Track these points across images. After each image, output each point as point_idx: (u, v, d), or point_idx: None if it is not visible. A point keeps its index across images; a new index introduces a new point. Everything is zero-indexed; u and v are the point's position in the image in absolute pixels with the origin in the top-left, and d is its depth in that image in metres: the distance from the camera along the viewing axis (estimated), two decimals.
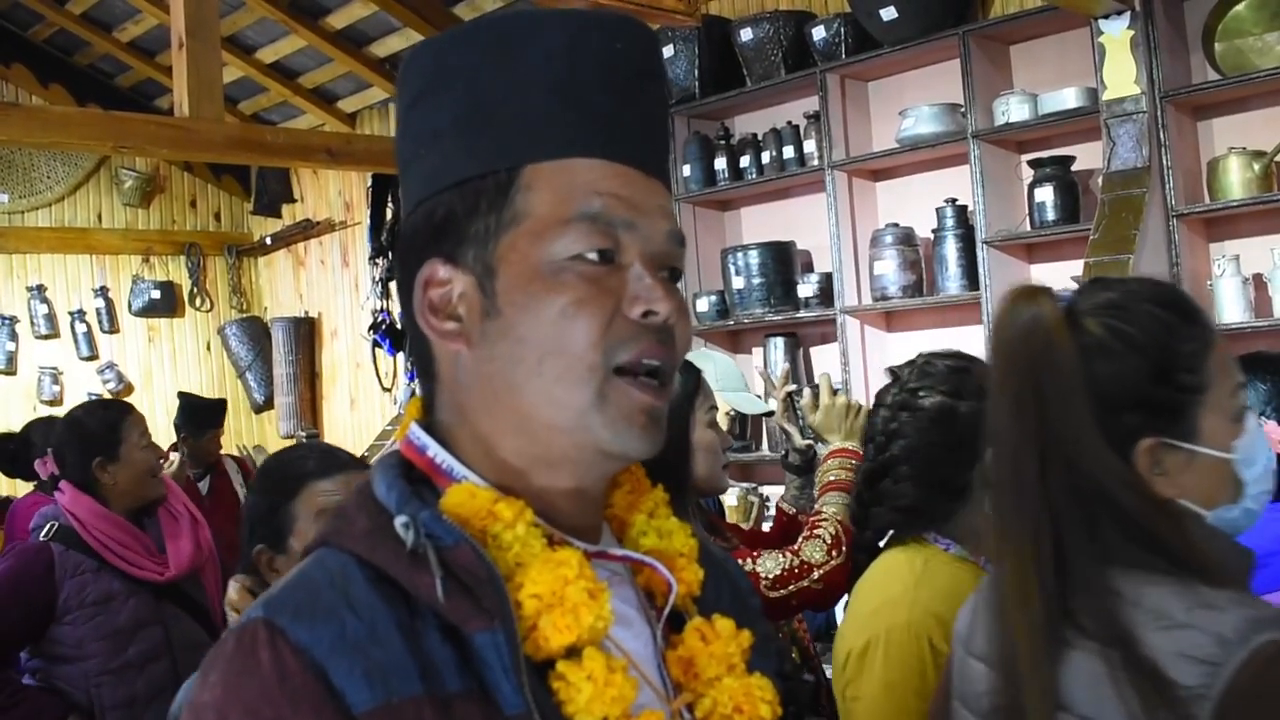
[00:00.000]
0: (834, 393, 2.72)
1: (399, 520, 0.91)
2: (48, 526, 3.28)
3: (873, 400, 2.18)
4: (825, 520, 2.44)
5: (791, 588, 2.31)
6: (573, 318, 0.93)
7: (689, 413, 2.40)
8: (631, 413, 0.94)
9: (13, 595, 3.20)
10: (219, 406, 6.20)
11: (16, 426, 7.67)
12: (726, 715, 0.99)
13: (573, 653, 0.90)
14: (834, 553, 2.36)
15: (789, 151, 5.35)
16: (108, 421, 3.38)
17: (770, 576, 2.31)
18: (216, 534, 5.96)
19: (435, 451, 0.99)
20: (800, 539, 2.42)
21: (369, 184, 7.46)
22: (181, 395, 6.24)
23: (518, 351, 0.95)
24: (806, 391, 2.77)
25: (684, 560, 1.05)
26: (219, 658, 0.89)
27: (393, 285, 7.46)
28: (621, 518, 1.07)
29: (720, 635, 1.02)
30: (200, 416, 5.96)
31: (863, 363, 5.08)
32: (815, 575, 2.32)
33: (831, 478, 2.58)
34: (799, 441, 2.99)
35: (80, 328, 8.35)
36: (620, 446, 0.95)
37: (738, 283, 5.38)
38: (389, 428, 5.88)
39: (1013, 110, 4.56)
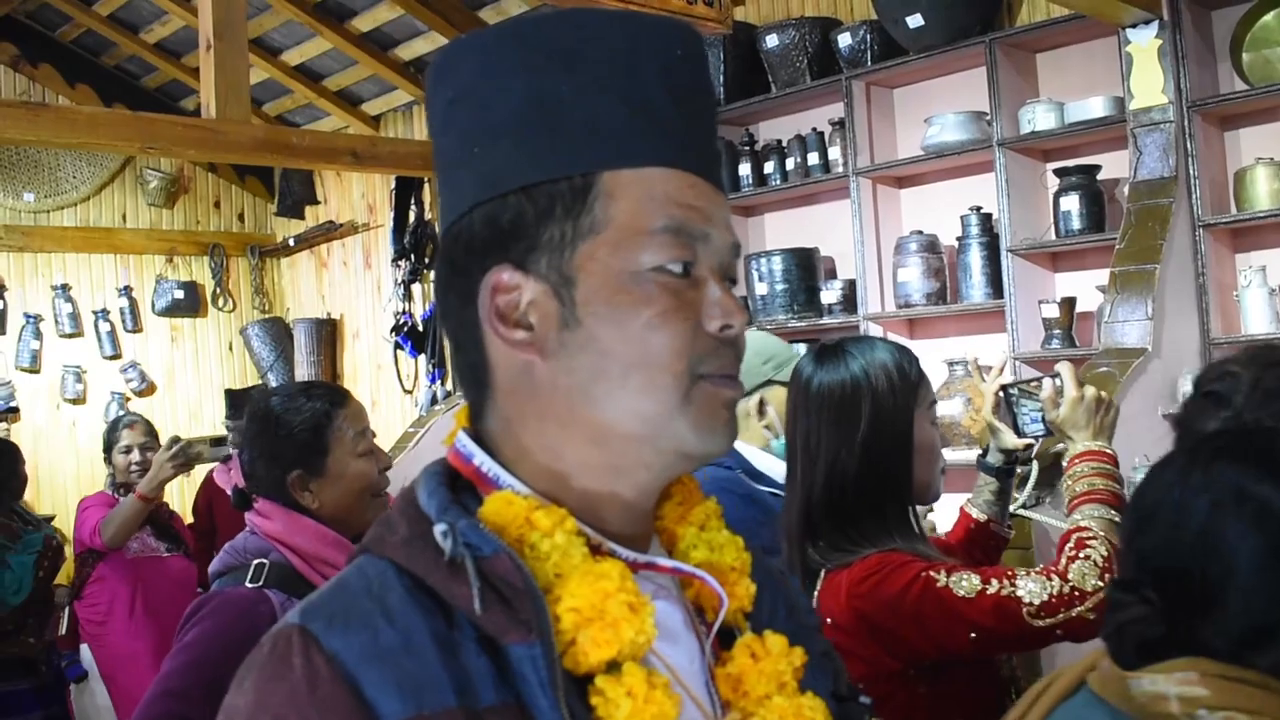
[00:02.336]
0: (1080, 384, 2.36)
1: (438, 528, 0.89)
2: (254, 567, 2.28)
3: (1139, 461, 1.72)
4: (1094, 539, 2.08)
5: (1060, 616, 1.96)
6: (658, 329, 0.92)
7: (912, 406, 2.10)
8: (715, 409, 0.94)
9: (224, 666, 1.97)
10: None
11: (41, 424, 7.76)
12: None
13: (613, 667, 0.88)
14: (1107, 577, 2.00)
15: (814, 158, 5.35)
16: (310, 418, 2.43)
17: (1035, 603, 1.96)
18: None
19: (481, 459, 0.98)
20: (1064, 559, 2.05)
21: (392, 186, 7.50)
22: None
23: (601, 364, 0.93)
24: (1047, 382, 2.45)
25: (735, 574, 1.02)
26: (254, 662, 0.88)
27: (415, 287, 7.54)
28: (671, 530, 1.04)
29: (771, 652, 0.99)
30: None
31: None
32: (1089, 604, 1.97)
33: (1086, 486, 2.23)
34: (1009, 441, 2.59)
35: (104, 327, 8.39)
36: (704, 446, 0.95)
37: (761, 289, 5.38)
38: (410, 430, 5.88)
39: (1039, 119, 4.55)
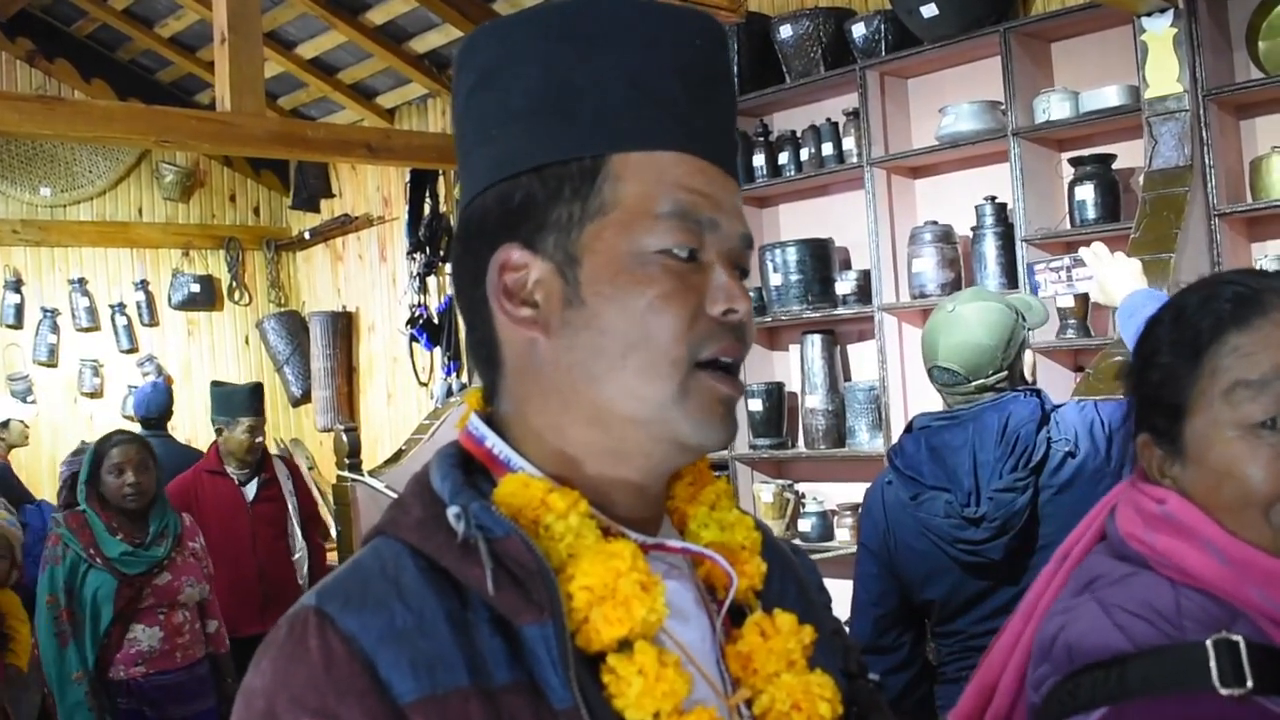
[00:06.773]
0: None
1: (451, 511, 0.90)
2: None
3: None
4: None
5: None
6: (659, 311, 0.93)
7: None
8: (712, 404, 0.95)
9: None
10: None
11: (59, 419, 7.79)
12: (784, 712, 0.97)
13: (625, 646, 0.89)
14: None
15: (828, 148, 5.34)
16: None
17: None
18: (266, 548, 5.72)
19: (493, 442, 0.99)
20: None
21: (407, 179, 7.52)
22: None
23: (600, 342, 0.94)
24: None
25: (746, 553, 1.03)
26: (271, 644, 0.89)
27: (430, 280, 7.55)
28: (683, 510, 1.05)
29: (780, 631, 1.00)
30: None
31: (900, 361, 5.07)
32: None
33: None
34: None
35: (120, 321, 8.42)
36: (699, 438, 0.96)
37: (775, 279, 5.37)
38: (426, 421, 5.89)
39: (1053, 108, 4.54)
